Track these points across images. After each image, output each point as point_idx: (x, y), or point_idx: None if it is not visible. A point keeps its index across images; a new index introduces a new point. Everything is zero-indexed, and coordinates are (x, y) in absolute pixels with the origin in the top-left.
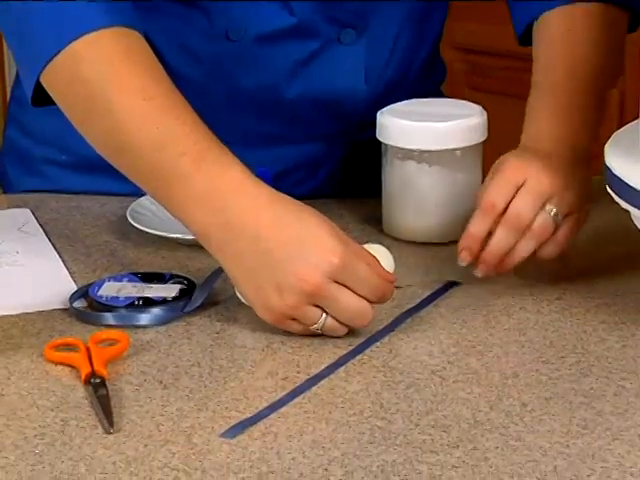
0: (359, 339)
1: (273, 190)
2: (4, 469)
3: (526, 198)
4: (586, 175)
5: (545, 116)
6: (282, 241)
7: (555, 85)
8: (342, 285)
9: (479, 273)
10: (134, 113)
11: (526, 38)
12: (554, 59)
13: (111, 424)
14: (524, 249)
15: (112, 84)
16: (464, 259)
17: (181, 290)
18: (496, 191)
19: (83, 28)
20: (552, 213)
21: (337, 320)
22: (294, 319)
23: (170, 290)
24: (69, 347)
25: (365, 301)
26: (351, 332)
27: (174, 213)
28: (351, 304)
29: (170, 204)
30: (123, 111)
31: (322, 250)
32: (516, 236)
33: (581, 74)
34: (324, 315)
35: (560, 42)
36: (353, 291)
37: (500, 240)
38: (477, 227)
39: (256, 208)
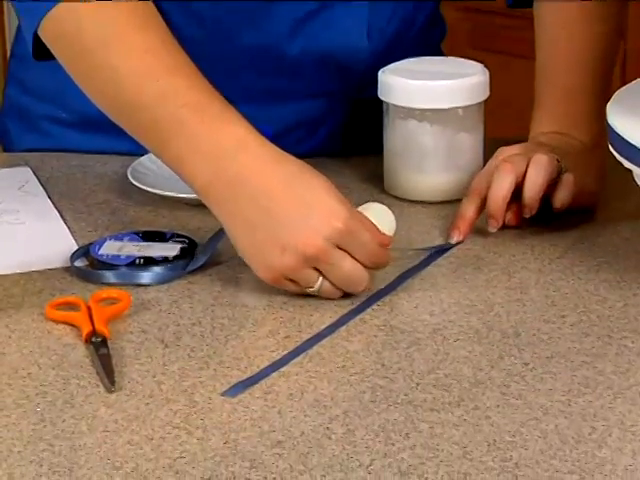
0: (360, 298)
1: (277, 148)
2: (6, 427)
3: (518, 155)
4: (595, 161)
5: (546, 107)
6: (286, 201)
7: (553, 77)
8: (343, 250)
9: (491, 228)
10: (135, 66)
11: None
12: (553, 49)
13: (112, 383)
14: (534, 180)
15: (113, 37)
16: (453, 237)
17: (182, 249)
18: (484, 175)
19: None
20: (554, 156)
21: (333, 284)
22: (291, 280)
23: (171, 249)
24: (70, 306)
25: (362, 267)
26: (348, 294)
27: (174, 168)
28: (350, 270)
29: (170, 159)
30: (124, 64)
31: (327, 214)
32: (514, 177)
33: (582, 62)
34: (321, 278)
35: (559, 31)
36: (352, 256)
37: (499, 182)
38: (465, 208)
39: (259, 166)
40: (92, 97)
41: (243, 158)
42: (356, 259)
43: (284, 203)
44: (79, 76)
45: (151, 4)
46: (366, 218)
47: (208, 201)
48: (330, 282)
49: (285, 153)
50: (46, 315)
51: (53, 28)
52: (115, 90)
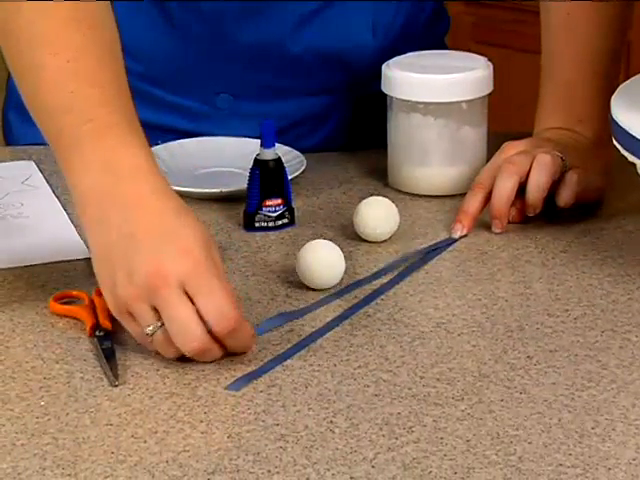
0: (364, 292)
1: (166, 184)
2: (9, 421)
3: (521, 153)
4: (600, 156)
5: (550, 104)
6: (151, 232)
7: (557, 72)
8: (188, 298)
9: (496, 229)
10: (55, 73)
11: None
12: (557, 45)
13: (116, 377)
14: (537, 181)
15: (44, 37)
16: (456, 231)
17: None
18: (489, 169)
19: None
20: (558, 154)
21: (167, 334)
22: (131, 315)
23: None
24: (73, 299)
25: (199, 324)
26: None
27: (66, 177)
28: (185, 319)
29: (64, 168)
30: (46, 69)
31: (184, 252)
32: (517, 178)
33: (585, 58)
34: (159, 323)
35: (562, 27)
36: (198, 310)
37: (502, 184)
38: (469, 203)
39: (141, 196)
40: (23, 97)
41: (128, 186)
42: (201, 315)
43: (148, 233)
44: (13, 73)
45: (103, 4)
46: (227, 284)
47: (83, 214)
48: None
49: (171, 191)
50: (50, 308)
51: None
52: (34, 93)
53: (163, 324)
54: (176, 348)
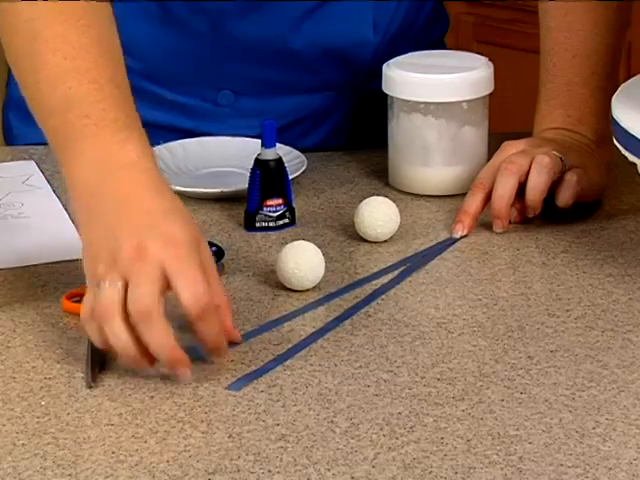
0: (365, 292)
1: (162, 179)
2: (10, 421)
3: (521, 153)
4: (601, 156)
5: (550, 104)
6: (136, 226)
7: (556, 72)
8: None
9: (497, 229)
10: (53, 71)
11: None
12: (556, 45)
13: (94, 379)
14: (536, 183)
15: (40, 38)
16: (457, 231)
17: None
18: (489, 169)
19: None
20: (557, 155)
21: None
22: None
23: None
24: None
25: (159, 306)
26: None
27: (64, 171)
28: (148, 290)
29: (63, 161)
30: (44, 67)
31: (169, 239)
32: (516, 179)
33: (584, 58)
34: (119, 283)
35: (561, 27)
36: (174, 290)
37: (502, 184)
38: (469, 203)
39: (129, 191)
40: (25, 96)
41: (120, 182)
42: (175, 294)
43: (134, 228)
44: (15, 73)
45: (102, 4)
46: (220, 285)
47: (77, 211)
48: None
49: (167, 190)
50: (63, 306)
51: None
52: (34, 91)
53: (123, 289)
54: (111, 310)
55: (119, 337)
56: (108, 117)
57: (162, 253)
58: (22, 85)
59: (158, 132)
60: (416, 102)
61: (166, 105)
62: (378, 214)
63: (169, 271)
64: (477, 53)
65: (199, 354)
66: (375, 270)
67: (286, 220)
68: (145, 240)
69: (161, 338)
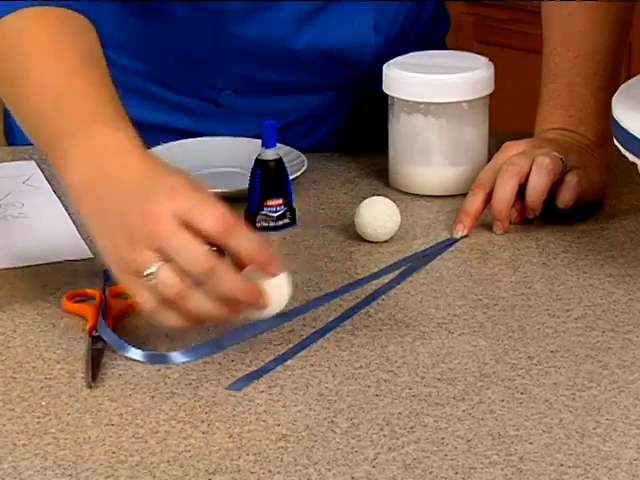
0: (365, 292)
1: (153, 156)
2: (10, 421)
3: (521, 154)
4: (601, 156)
5: (551, 104)
6: (138, 188)
7: (558, 73)
8: (189, 232)
9: (497, 230)
10: (38, 77)
11: None
12: (558, 45)
13: (94, 379)
14: (537, 184)
15: (24, 51)
16: (457, 231)
17: None
18: (489, 170)
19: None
20: (558, 156)
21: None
22: (138, 275)
23: None
24: (87, 298)
25: (205, 246)
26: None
27: (60, 177)
28: (188, 242)
29: (57, 167)
30: (30, 75)
31: (170, 189)
32: (517, 180)
33: (586, 58)
34: (159, 264)
35: (563, 28)
36: (197, 227)
37: (502, 186)
38: (470, 203)
39: (125, 168)
40: (7, 106)
41: (115, 165)
42: (200, 230)
43: (137, 190)
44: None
45: (81, 17)
46: (244, 228)
47: (80, 203)
48: (171, 270)
49: (161, 161)
50: (63, 306)
51: None
52: (22, 99)
53: (166, 262)
54: (179, 291)
55: (206, 307)
56: (97, 112)
57: (169, 204)
58: (7, 95)
59: (159, 132)
60: (416, 102)
61: (167, 105)
62: (378, 214)
63: (182, 213)
64: (477, 53)
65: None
66: (375, 270)
67: (286, 220)
68: (148, 202)
69: (233, 280)
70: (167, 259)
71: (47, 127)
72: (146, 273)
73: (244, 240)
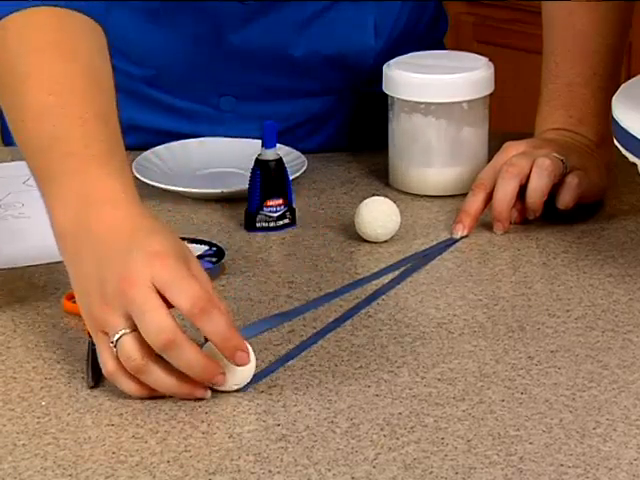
0: (365, 292)
1: (142, 210)
2: (10, 421)
3: (522, 155)
4: (602, 157)
5: (551, 104)
6: (119, 248)
7: (558, 73)
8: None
9: (498, 231)
10: (38, 108)
11: None
12: (558, 45)
13: (94, 379)
14: (537, 185)
15: (26, 73)
16: (457, 231)
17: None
18: (490, 170)
19: (15, 6)
20: (558, 157)
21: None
22: (105, 334)
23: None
24: None
25: (173, 319)
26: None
27: (47, 208)
28: (156, 311)
29: (47, 205)
30: (30, 104)
31: (152, 254)
32: (517, 181)
33: (586, 58)
34: (127, 330)
35: (563, 28)
36: (169, 299)
37: (502, 187)
38: (470, 203)
39: (110, 221)
40: (11, 130)
41: (101, 215)
42: (172, 303)
43: (118, 250)
44: (3, 108)
45: (89, 33)
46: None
47: (64, 247)
48: (138, 334)
49: (149, 216)
50: (63, 307)
51: None
52: (21, 127)
53: (132, 331)
54: (137, 365)
55: (163, 381)
56: (90, 153)
57: (148, 270)
58: (8, 119)
59: (160, 137)
60: (416, 102)
61: (168, 110)
62: (378, 214)
63: (160, 283)
64: (477, 53)
65: None
66: (375, 270)
67: (286, 220)
68: (128, 264)
69: (193, 356)
70: (133, 326)
71: (40, 164)
72: (111, 340)
73: (213, 325)
